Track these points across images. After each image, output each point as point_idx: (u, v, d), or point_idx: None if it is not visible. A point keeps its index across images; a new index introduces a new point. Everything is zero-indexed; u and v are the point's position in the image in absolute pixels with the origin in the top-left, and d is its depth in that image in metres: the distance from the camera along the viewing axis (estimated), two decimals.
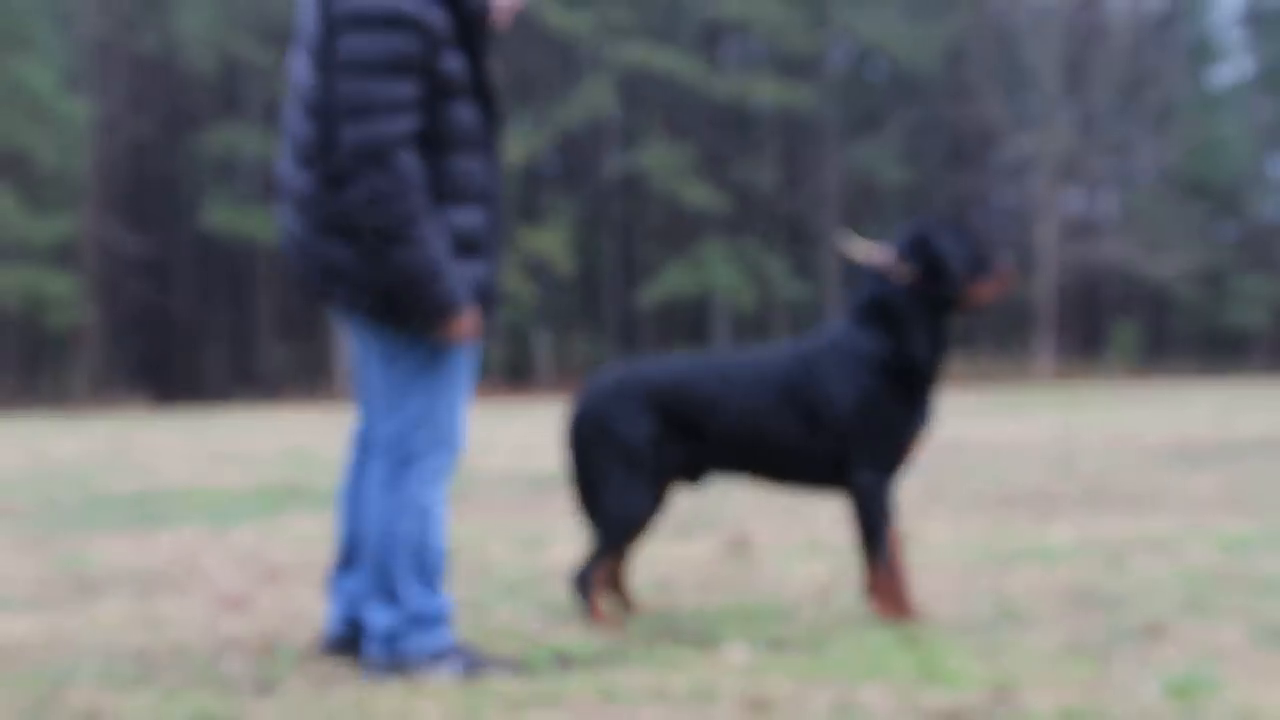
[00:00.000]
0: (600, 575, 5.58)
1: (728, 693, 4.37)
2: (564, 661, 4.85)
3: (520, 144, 43.77)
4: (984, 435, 16.80)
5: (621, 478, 5.53)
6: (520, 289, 45.10)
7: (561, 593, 6.26)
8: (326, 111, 4.66)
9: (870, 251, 5.72)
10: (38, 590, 6.68)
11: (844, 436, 5.52)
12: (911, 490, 10.06)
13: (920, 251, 5.62)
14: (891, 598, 5.53)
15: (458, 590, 6.45)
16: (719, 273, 45.79)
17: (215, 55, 44.22)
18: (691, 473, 5.74)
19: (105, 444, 19.20)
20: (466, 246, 4.75)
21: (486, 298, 4.84)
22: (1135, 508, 9.34)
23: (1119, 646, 4.96)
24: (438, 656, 4.78)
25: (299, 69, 4.82)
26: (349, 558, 5.08)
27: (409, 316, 4.67)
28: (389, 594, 4.79)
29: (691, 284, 45.78)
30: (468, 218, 4.75)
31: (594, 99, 44.75)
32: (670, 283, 45.71)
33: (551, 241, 44.97)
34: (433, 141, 4.67)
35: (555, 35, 46.06)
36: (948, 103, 51.85)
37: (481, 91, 4.81)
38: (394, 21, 4.53)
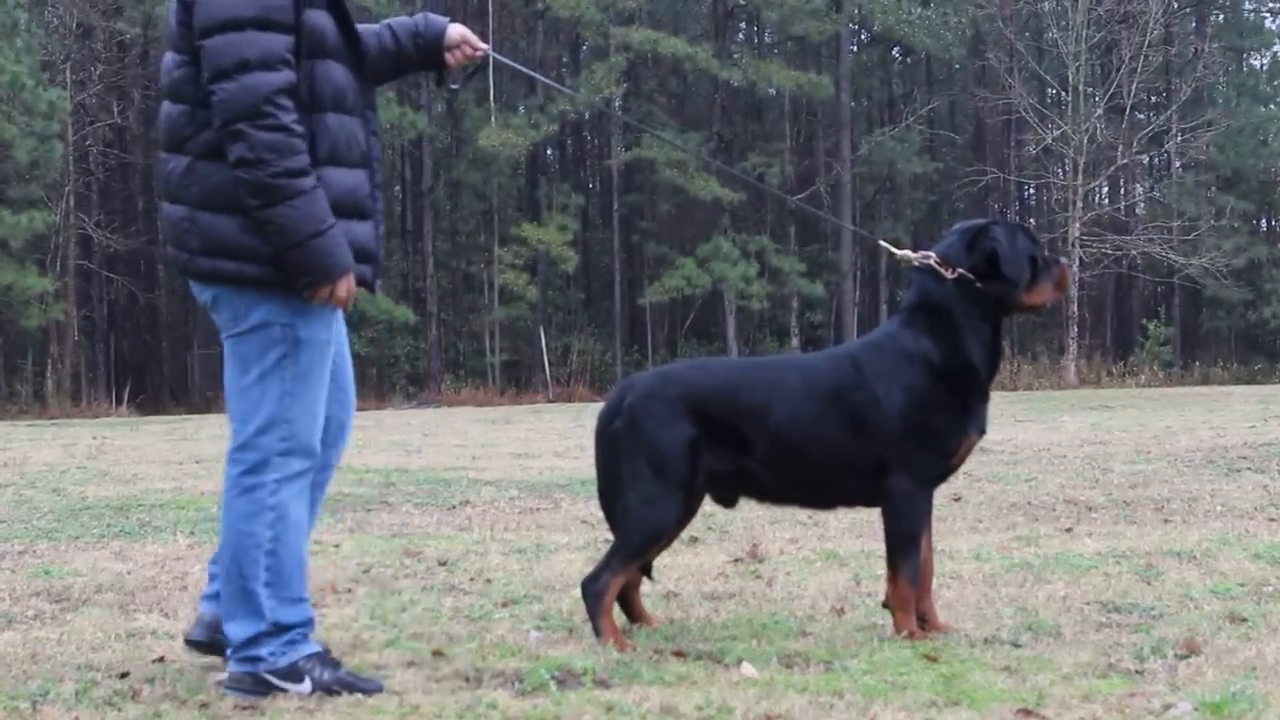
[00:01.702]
0: (615, 584, 5.56)
1: (739, 711, 4.37)
2: (566, 678, 4.84)
3: (520, 134, 43.78)
4: (1009, 440, 16.78)
5: (651, 484, 5.51)
6: (520, 286, 45.09)
7: (564, 605, 6.26)
8: (194, 86, 4.73)
9: (915, 255, 5.73)
10: (14, 603, 6.67)
11: (888, 439, 5.50)
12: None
13: (977, 251, 5.62)
14: (913, 612, 5.52)
15: (454, 601, 6.46)
16: (729, 269, 45.72)
17: None
18: (725, 487, 5.73)
19: (85, 450, 19.20)
20: (347, 209, 4.82)
21: (368, 260, 4.92)
22: (1167, 516, 9.33)
23: (1151, 663, 4.95)
24: (295, 670, 4.78)
25: (165, 63, 4.90)
26: None
27: (294, 278, 4.71)
28: (245, 605, 4.80)
29: (701, 280, 45.71)
30: (347, 179, 4.84)
31: (599, 86, 44.75)
32: (678, 279, 45.66)
33: (553, 236, 44.93)
34: (307, 102, 4.74)
35: (561, 20, 46.07)
36: (970, 91, 51.84)
37: (353, 53, 4.92)
38: None
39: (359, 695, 4.68)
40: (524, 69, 6.76)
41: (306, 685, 4.75)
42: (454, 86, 5.72)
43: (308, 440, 4.87)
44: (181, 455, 17.37)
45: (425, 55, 5.32)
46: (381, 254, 5.08)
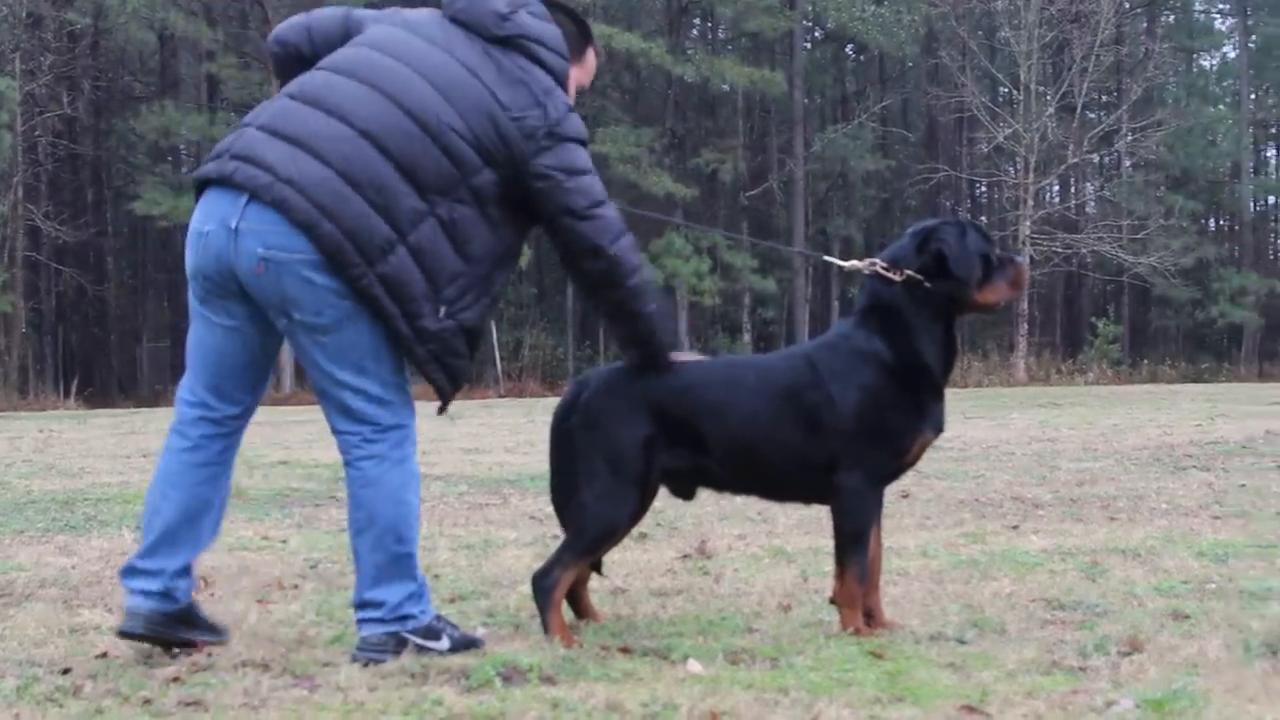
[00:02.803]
0: (565, 580, 5.55)
1: (684, 707, 4.36)
2: (512, 674, 4.82)
3: None
4: (957, 437, 16.83)
5: (606, 481, 5.51)
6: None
7: (511, 601, 6.25)
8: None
9: (862, 264, 5.75)
10: None
11: (841, 436, 5.51)
12: None
13: (926, 252, 5.63)
14: (860, 609, 5.53)
15: None
16: (681, 264, 45.75)
17: (151, 32, 44.00)
18: (683, 483, 5.74)
19: (31, 444, 19.08)
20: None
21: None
22: (1113, 514, 9.38)
23: (1095, 660, 4.97)
24: (434, 628, 5.14)
25: (416, 87, 5.12)
26: (168, 539, 5.19)
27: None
28: (398, 567, 5.12)
29: (653, 276, 45.68)
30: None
31: None
32: None
33: None
34: None
35: None
36: (923, 89, 52.02)
37: None
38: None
39: (302, 691, 4.68)
40: None
41: (445, 642, 5.14)
42: None
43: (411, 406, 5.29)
44: (129, 449, 17.27)
45: None
46: None
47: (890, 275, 5.61)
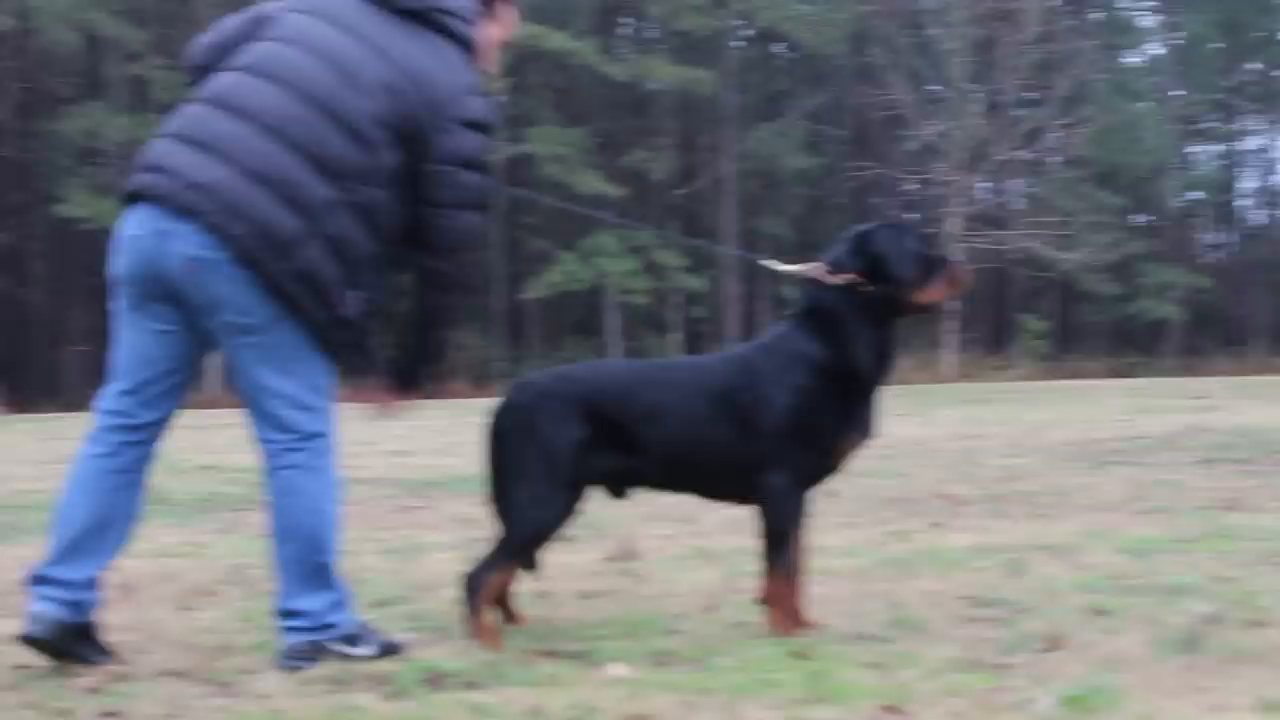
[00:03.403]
0: (495, 582, 5.55)
1: (607, 711, 4.37)
2: (435, 679, 4.82)
3: None
4: (885, 433, 16.86)
5: (540, 482, 5.51)
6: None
7: (435, 606, 6.23)
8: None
9: (799, 268, 5.77)
10: None
11: (770, 437, 5.53)
12: None
13: (864, 255, 5.65)
14: (786, 609, 5.55)
15: None
16: (611, 264, 45.74)
17: (76, 33, 43.61)
18: (616, 484, 5.75)
19: None
20: None
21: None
22: (1037, 511, 9.45)
23: (1016, 657, 5.00)
24: (357, 635, 5.16)
25: (318, 74, 5.12)
26: (77, 547, 5.17)
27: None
28: (318, 577, 5.13)
29: (583, 275, 45.70)
30: None
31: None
32: (560, 274, 45.63)
33: None
34: None
35: None
36: (852, 87, 52.19)
37: None
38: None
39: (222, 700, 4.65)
40: None
41: (368, 649, 5.17)
42: None
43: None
44: (52, 455, 17.09)
45: None
46: None
47: (830, 279, 5.63)
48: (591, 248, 45.96)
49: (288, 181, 4.97)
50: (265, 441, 5.18)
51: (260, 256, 4.92)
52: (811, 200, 55.02)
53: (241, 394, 5.22)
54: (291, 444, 5.12)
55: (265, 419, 5.14)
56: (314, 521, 5.11)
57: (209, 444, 18.33)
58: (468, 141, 5.17)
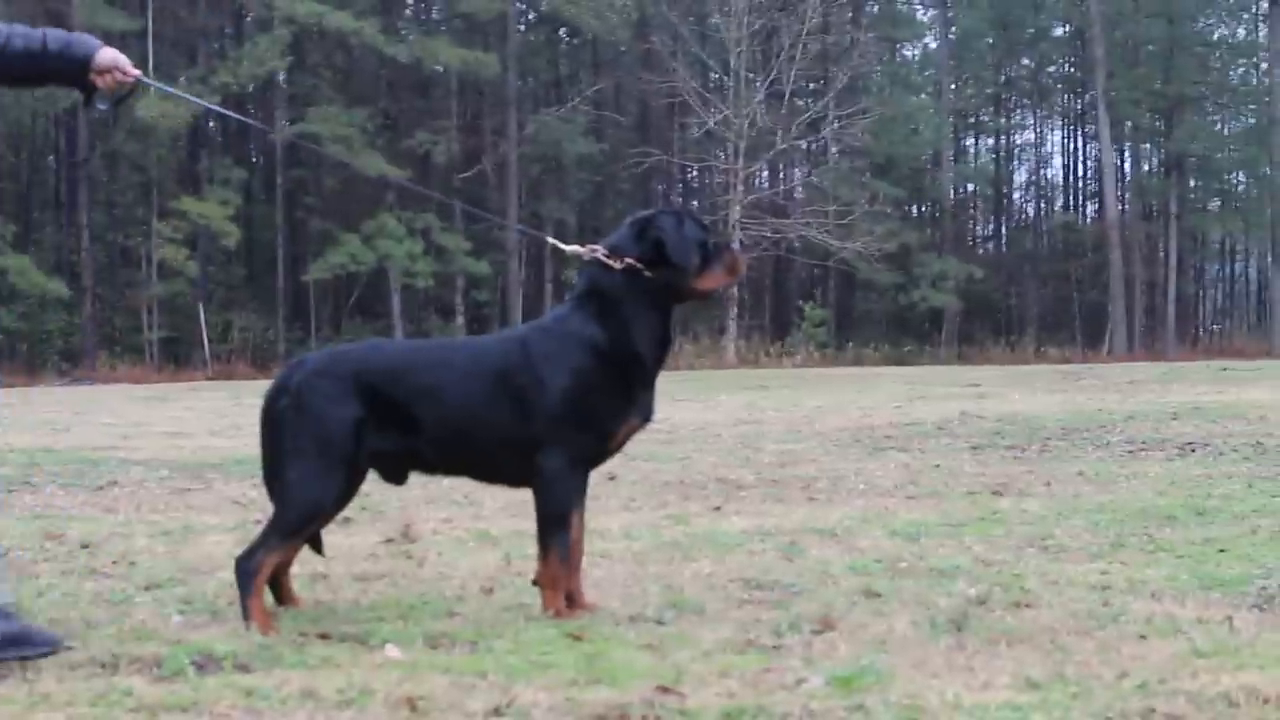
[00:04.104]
0: (269, 563, 5.47)
1: (380, 693, 4.33)
2: (206, 662, 4.74)
3: (181, 106, 42.76)
4: (666, 419, 17.01)
5: (313, 462, 5.45)
6: (180, 261, 44.08)
7: (209, 588, 6.15)
8: None
9: (584, 249, 5.78)
10: None
11: (545, 418, 5.52)
12: None
13: (645, 240, 5.67)
14: (561, 591, 5.56)
15: (95, 585, 6.28)
16: (394, 246, 45.43)
17: None
18: (393, 466, 5.70)
19: None
20: None
21: None
22: (813, 495, 9.59)
23: (789, 639, 5.07)
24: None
25: None
26: None
27: None
28: None
29: (365, 257, 45.34)
30: None
31: (263, 59, 43.94)
32: (343, 256, 45.20)
33: (214, 210, 44.03)
34: None
35: None
36: (636, 74, 52.41)
37: None
38: None
39: (39, 668, 4.55)
40: (177, 92, 6.80)
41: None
42: (101, 108, 5.63)
43: None
44: None
45: (72, 72, 5.29)
46: None
47: (610, 262, 5.65)
48: (374, 229, 45.58)
49: None
50: None
51: None
52: (595, 186, 55.16)
53: None
54: None
55: None
56: None
57: None
58: None
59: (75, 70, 5.29)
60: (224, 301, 47.55)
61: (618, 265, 5.64)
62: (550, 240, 6.93)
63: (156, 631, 5.28)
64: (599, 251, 5.70)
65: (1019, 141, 64.91)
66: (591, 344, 5.58)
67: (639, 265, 5.64)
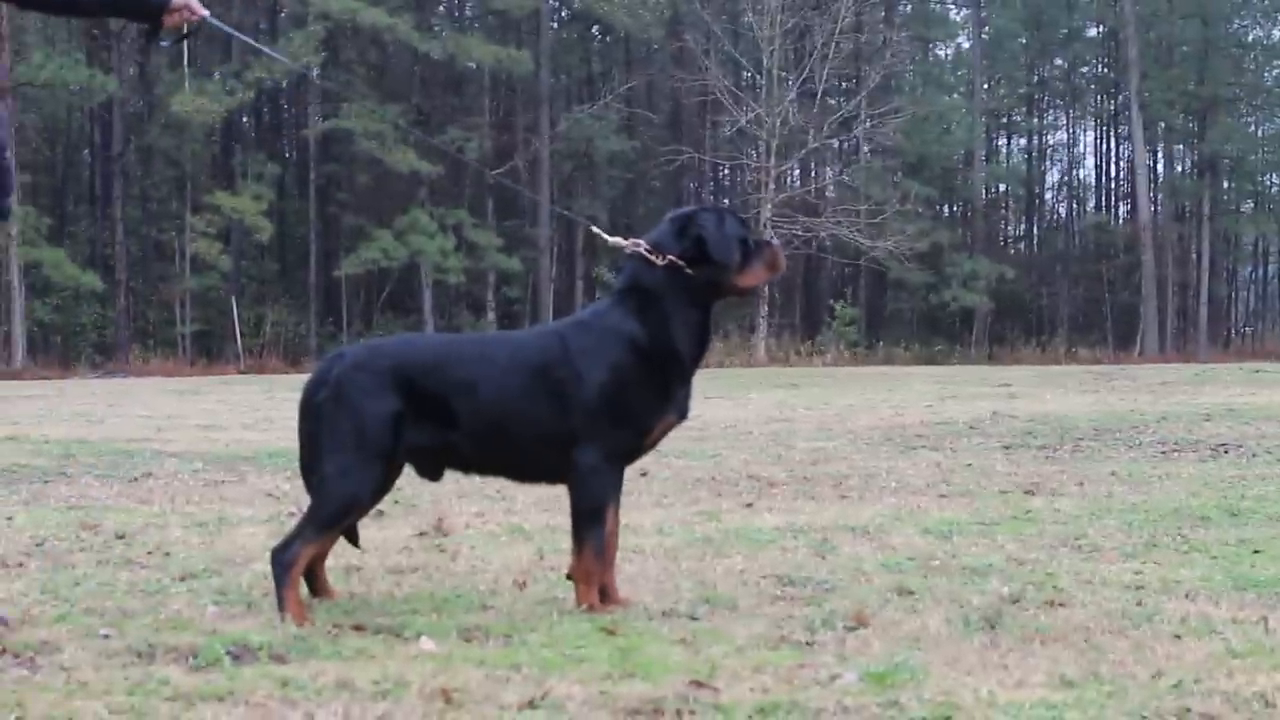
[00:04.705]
0: (305, 555, 5.48)
1: (415, 685, 4.34)
2: (241, 653, 4.75)
3: (215, 101, 42.93)
4: (697, 416, 16.97)
5: (350, 454, 5.46)
6: (213, 255, 44.23)
7: (244, 579, 6.16)
8: None
9: (627, 242, 5.78)
10: None
11: (583, 413, 5.52)
12: None
13: (686, 237, 5.67)
14: (595, 586, 5.56)
15: (131, 575, 6.30)
16: (426, 242, 45.50)
17: None
18: (429, 462, 5.71)
19: None
20: None
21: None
22: (844, 492, 9.57)
23: (821, 635, 5.06)
24: None
25: None
26: None
27: None
28: None
29: (398, 253, 45.41)
30: None
31: (297, 55, 44.09)
32: (375, 251, 45.29)
33: (247, 205, 44.17)
34: None
35: None
36: (668, 72, 52.40)
37: None
38: None
39: (23, 671, 4.56)
40: (239, 35, 6.92)
41: None
42: (164, 44, 5.77)
43: None
44: None
45: (150, 9, 5.51)
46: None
47: (653, 258, 5.65)
48: (406, 225, 45.67)
49: None
50: None
51: None
52: (626, 183, 55.17)
53: None
54: None
55: None
56: None
57: (12, 414, 17.95)
58: None
59: (154, 7, 5.51)
60: (256, 296, 47.71)
61: (660, 262, 5.64)
62: (594, 229, 6.94)
63: (192, 622, 5.30)
64: (641, 246, 5.70)
65: (1051, 142, 64.81)
66: (630, 340, 5.58)
67: (680, 263, 5.64)
